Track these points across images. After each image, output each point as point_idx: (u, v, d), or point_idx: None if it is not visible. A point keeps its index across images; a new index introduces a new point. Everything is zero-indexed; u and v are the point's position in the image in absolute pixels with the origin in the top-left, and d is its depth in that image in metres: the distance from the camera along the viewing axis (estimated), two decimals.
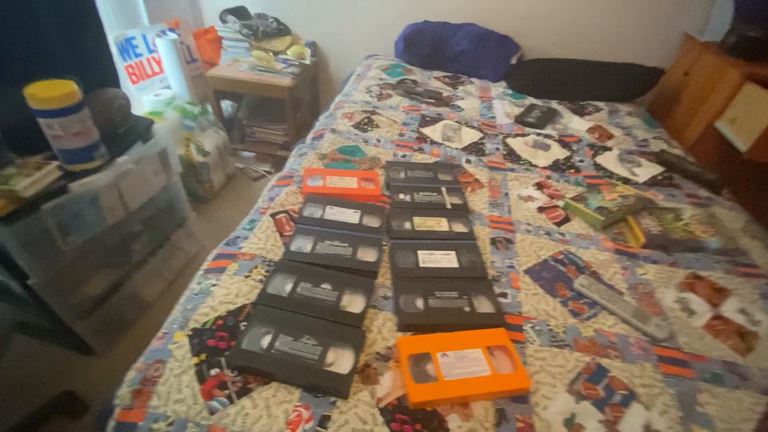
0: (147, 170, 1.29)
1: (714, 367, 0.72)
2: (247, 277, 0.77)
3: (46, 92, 0.96)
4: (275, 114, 2.17)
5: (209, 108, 1.97)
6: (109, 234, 1.22)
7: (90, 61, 1.35)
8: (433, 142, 1.30)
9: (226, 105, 2.25)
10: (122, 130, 1.26)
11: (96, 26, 1.36)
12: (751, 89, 1.37)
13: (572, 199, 1.08)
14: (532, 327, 0.76)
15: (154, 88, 1.91)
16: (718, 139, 1.49)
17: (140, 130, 1.31)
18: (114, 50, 1.65)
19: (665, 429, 0.62)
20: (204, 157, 1.82)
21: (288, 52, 2.01)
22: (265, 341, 0.65)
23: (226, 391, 0.60)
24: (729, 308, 0.84)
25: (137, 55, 1.82)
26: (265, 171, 2.17)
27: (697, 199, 1.16)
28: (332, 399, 0.61)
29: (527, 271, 0.87)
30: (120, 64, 1.70)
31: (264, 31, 2.00)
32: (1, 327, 0.83)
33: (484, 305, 0.77)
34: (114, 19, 1.72)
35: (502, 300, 0.80)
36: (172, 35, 1.87)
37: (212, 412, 0.58)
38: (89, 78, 1.20)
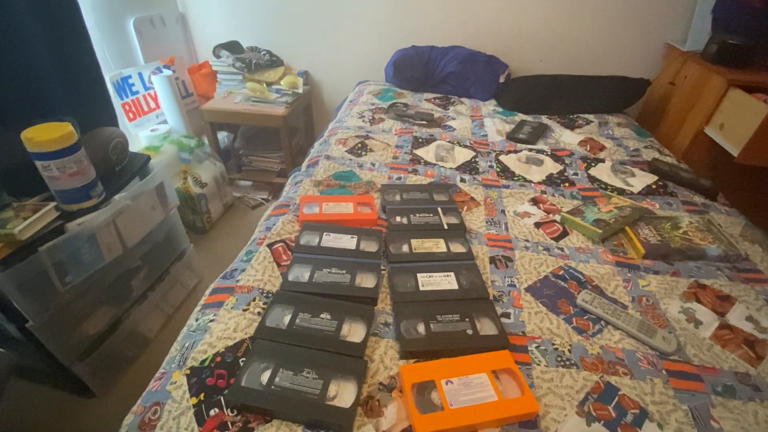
0: (144, 206, 1.30)
1: (726, 379, 0.70)
2: (245, 310, 0.76)
3: (43, 135, 0.97)
4: (271, 142, 2.20)
5: (205, 140, 2.00)
6: (108, 271, 1.21)
7: (87, 101, 1.38)
8: (426, 163, 1.31)
9: (223, 136, 2.28)
10: (119, 168, 1.27)
11: (93, 67, 1.40)
12: (736, 94, 1.39)
13: (569, 213, 1.08)
14: (537, 347, 0.74)
15: (151, 123, 1.94)
16: (709, 144, 1.50)
17: (137, 166, 1.32)
18: (111, 89, 1.68)
19: None
20: (201, 189, 1.83)
21: (281, 82, 2.05)
22: (265, 377, 0.63)
23: None
24: (735, 316, 0.82)
25: (133, 93, 1.85)
26: (263, 198, 2.18)
27: (693, 206, 1.16)
28: None
29: (528, 289, 0.87)
30: (117, 102, 1.74)
31: (257, 63, 2.05)
32: None
33: (486, 327, 0.75)
34: (110, 59, 1.76)
35: (504, 320, 0.79)
36: (168, 72, 1.92)
37: None
38: (86, 117, 1.23)
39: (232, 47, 2.10)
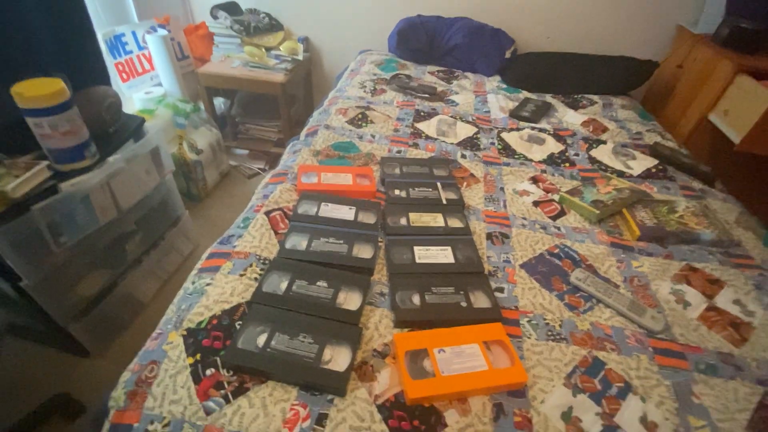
0: (139, 169, 1.28)
1: (709, 358, 0.73)
2: (241, 275, 0.76)
3: (34, 91, 0.94)
4: (269, 111, 2.16)
5: (201, 105, 1.95)
6: (102, 234, 1.21)
7: (79, 58, 1.33)
8: (428, 138, 1.30)
9: (219, 102, 2.23)
10: (113, 129, 1.24)
11: (84, 23, 1.34)
12: (743, 81, 1.37)
13: (567, 192, 1.08)
14: (529, 321, 0.76)
15: (145, 85, 1.88)
16: (712, 131, 1.49)
17: (131, 128, 1.29)
18: (103, 47, 1.62)
19: (661, 420, 0.62)
20: (197, 155, 1.80)
21: (280, 48, 1.99)
22: (261, 340, 0.64)
23: (222, 391, 0.59)
24: (723, 299, 0.84)
25: (127, 53, 1.79)
26: (259, 168, 2.15)
27: (691, 191, 1.17)
28: (329, 397, 0.60)
29: (523, 266, 0.87)
30: (110, 62, 1.68)
31: (256, 26, 1.98)
32: None
33: (480, 300, 0.77)
34: (103, 15, 1.69)
35: (498, 295, 0.80)
36: (163, 32, 1.84)
37: (208, 412, 0.57)
38: (79, 76, 1.18)
39: (231, 8, 2.02)
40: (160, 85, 1.93)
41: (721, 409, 0.65)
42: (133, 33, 1.79)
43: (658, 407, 0.64)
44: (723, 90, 1.44)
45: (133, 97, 1.79)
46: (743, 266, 0.92)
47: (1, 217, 0.92)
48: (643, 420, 0.62)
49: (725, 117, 1.42)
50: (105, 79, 1.45)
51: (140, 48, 1.84)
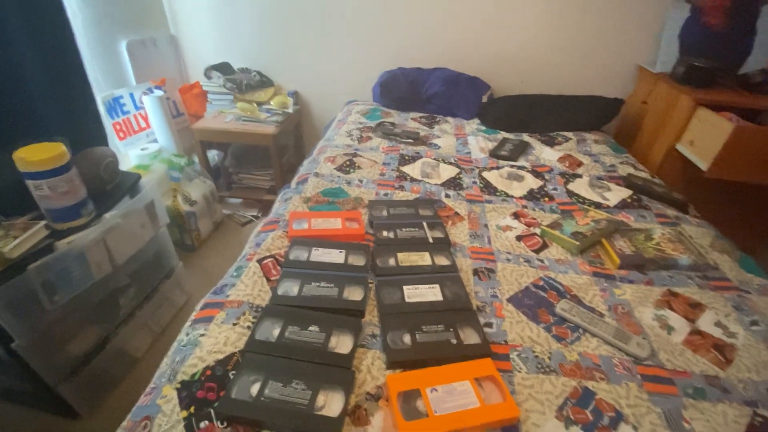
0: (134, 223, 1.31)
1: (696, 381, 0.74)
2: (234, 324, 0.78)
3: (36, 155, 0.99)
4: (261, 160, 2.24)
5: (195, 158, 2.03)
6: (96, 289, 1.21)
7: (78, 121, 1.41)
8: (413, 180, 1.36)
9: (213, 154, 2.31)
10: (110, 187, 1.29)
11: (84, 87, 1.43)
12: (703, 113, 1.48)
13: (548, 226, 1.12)
14: (518, 355, 0.77)
15: (141, 142, 1.96)
16: (681, 160, 1.58)
17: (128, 185, 1.34)
18: (102, 109, 1.71)
19: None
20: (191, 207, 1.85)
21: (271, 102, 2.10)
22: (255, 389, 0.65)
23: None
24: (705, 322, 0.87)
25: (125, 113, 1.88)
26: (252, 216, 2.20)
27: (666, 218, 1.22)
28: None
29: (510, 299, 0.90)
30: (108, 122, 1.76)
31: (248, 84, 2.10)
32: None
33: (470, 336, 0.78)
34: (102, 80, 1.79)
35: (487, 330, 0.82)
36: (159, 92, 1.95)
37: None
38: (78, 137, 1.24)
39: (223, 68, 2.15)
40: (155, 141, 2.01)
41: None
42: (131, 95, 1.89)
43: None
44: (686, 122, 1.54)
45: (130, 153, 1.86)
46: (721, 288, 0.96)
47: None
48: None
49: (691, 147, 1.52)
50: (103, 140, 1.52)
51: (137, 108, 1.93)
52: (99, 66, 1.76)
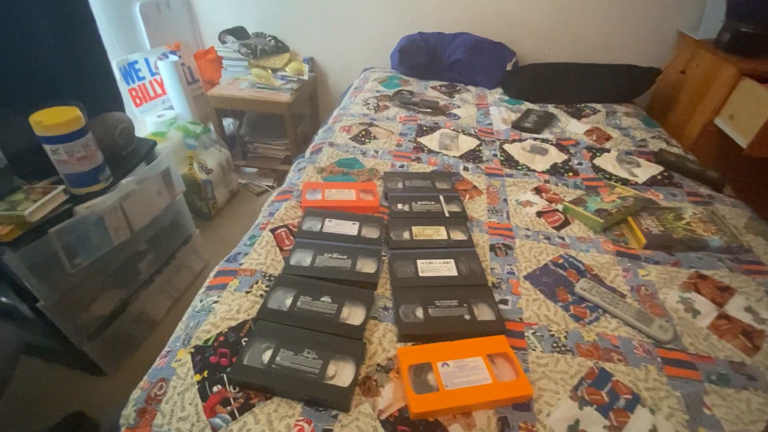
0: (151, 190, 1.32)
1: (720, 367, 0.71)
2: (248, 292, 0.78)
3: (52, 119, 0.99)
4: (276, 129, 2.21)
5: (211, 126, 2.01)
6: (115, 254, 1.24)
7: (94, 86, 1.39)
8: (430, 151, 1.31)
9: (228, 123, 2.29)
10: (126, 153, 1.29)
11: (99, 52, 1.41)
12: (747, 84, 1.36)
13: (571, 202, 1.08)
14: (534, 333, 0.75)
15: (157, 109, 1.95)
16: (718, 135, 1.48)
17: (144, 151, 1.34)
18: (117, 74, 1.70)
19: None
20: (207, 175, 1.85)
21: (286, 69, 2.04)
22: (266, 356, 0.65)
23: (229, 408, 0.60)
24: (734, 307, 0.83)
25: (140, 79, 1.86)
26: (267, 186, 2.20)
27: (698, 197, 1.15)
28: (334, 412, 0.61)
29: (527, 277, 0.87)
30: (123, 88, 1.75)
31: (262, 49, 2.04)
32: (9, 348, 0.85)
33: (484, 313, 0.77)
34: (117, 44, 1.77)
35: (502, 307, 0.80)
36: (174, 57, 1.92)
37: (215, 429, 0.58)
38: (93, 102, 1.24)
39: (238, 33, 2.09)
40: (171, 108, 2.00)
41: (733, 421, 0.63)
42: (146, 60, 1.87)
43: (668, 419, 0.63)
44: (727, 94, 1.43)
45: (146, 120, 1.86)
46: (754, 272, 0.91)
47: (20, 241, 0.96)
48: None
49: (731, 121, 1.41)
50: (119, 105, 1.51)
51: (152, 74, 1.91)
52: (113, 30, 1.73)
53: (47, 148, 1.02)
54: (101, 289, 1.25)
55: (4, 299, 1.12)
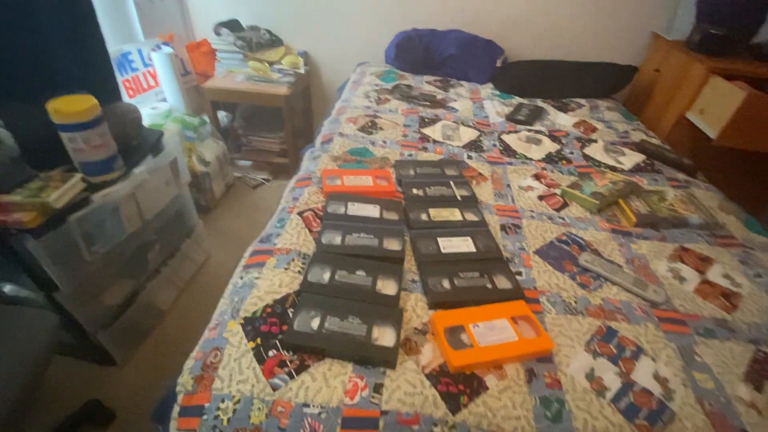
0: (160, 180, 1.33)
1: (706, 323, 0.82)
2: (286, 269, 0.82)
3: (70, 107, 0.99)
4: (270, 123, 2.22)
5: (206, 119, 2.01)
6: (127, 244, 1.25)
7: (96, 77, 1.39)
8: (435, 141, 1.39)
9: (221, 115, 2.28)
10: (135, 143, 1.29)
11: (100, 43, 1.40)
12: (716, 82, 1.51)
13: (568, 186, 1.18)
14: (547, 299, 0.84)
15: (150, 101, 1.93)
16: (690, 128, 1.63)
17: (152, 142, 1.34)
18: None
19: (671, 376, 0.71)
20: (205, 167, 1.86)
21: (282, 62, 2.07)
22: (315, 323, 0.70)
23: (286, 369, 0.65)
24: (714, 274, 0.95)
25: (133, 70, 1.84)
26: (263, 179, 2.21)
27: (677, 181, 1.28)
28: (382, 369, 0.67)
29: (537, 252, 0.96)
30: (118, 79, 1.72)
31: (258, 42, 2.05)
32: (47, 335, 0.86)
33: (503, 282, 0.85)
34: (111, 35, 1.74)
35: (518, 277, 0.88)
36: (168, 49, 1.90)
37: (275, 388, 0.63)
38: (96, 94, 1.24)
39: (233, 25, 2.10)
40: (164, 100, 1.98)
41: (720, 365, 0.74)
42: (139, 51, 1.85)
43: (667, 365, 0.73)
44: (698, 91, 1.58)
45: (141, 112, 1.84)
46: (728, 245, 1.03)
47: (40, 228, 0.96)
48: (656, 376, 0.71)
49: (701, 115, 1.56)
50: (118, 97, 1.51)
51: (146, 65, 1.89)
52: (107, 20, 1.70)
53: (64, 136, 1.02)
54: (113, 279, 1.25)
55: (7, 289, 1.11)
